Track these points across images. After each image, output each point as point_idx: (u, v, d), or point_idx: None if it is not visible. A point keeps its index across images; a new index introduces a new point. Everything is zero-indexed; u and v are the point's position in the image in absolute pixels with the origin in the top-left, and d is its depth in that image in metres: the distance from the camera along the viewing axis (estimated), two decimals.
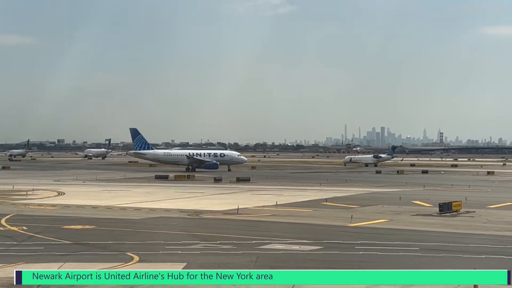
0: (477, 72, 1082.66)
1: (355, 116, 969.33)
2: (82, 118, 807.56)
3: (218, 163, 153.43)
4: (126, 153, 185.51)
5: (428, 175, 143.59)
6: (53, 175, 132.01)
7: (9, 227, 48.09)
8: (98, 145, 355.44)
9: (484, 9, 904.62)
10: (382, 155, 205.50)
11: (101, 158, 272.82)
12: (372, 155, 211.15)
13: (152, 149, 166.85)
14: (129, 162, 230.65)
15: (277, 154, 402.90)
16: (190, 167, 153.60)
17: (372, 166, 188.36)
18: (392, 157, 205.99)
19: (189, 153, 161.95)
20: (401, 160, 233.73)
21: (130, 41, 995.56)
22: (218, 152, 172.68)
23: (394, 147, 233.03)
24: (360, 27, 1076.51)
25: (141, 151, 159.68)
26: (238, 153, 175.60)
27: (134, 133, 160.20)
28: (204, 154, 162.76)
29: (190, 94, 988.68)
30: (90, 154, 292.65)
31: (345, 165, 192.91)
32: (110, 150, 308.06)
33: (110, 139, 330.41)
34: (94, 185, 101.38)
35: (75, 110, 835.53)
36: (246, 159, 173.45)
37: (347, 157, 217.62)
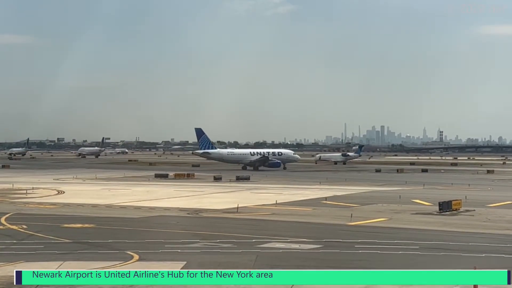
0: (477, 71, 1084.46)
1: (355, 115, 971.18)
2: (82, 117, 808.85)
3: (280, 162, 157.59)
4: (192, 153, 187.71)
5: (428, 173, 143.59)
6: (53, 174, 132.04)
7: (8, 225, 48.08)
8: (97, 144, 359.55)
9: (484, 9, 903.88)
10: (350, 154, 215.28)
11: (94, 157, 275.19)
12: (340, 153, 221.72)
13: (215, 148, 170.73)
14: (129, 160, 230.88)
15: None
16: (250, 166, 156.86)
17: (341, 164, 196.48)
18: (360, 156, 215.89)
19: (251, 152, 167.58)
20: (369, 158, 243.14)
21: (129, 40, 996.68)
22: (276, 151, 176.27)
23: (361, 146, 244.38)
24: (360, 26, 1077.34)
25: (208, 151, 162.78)
26: (293, 152, 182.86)
27: (199, 133, 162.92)
28: (264, 153, 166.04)
29: (189, 93, 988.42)
30: (83, 153, 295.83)
31: (316, 163, 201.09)
32: (104, 149, 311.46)
33: (103, 138, 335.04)
34: (94, 184, 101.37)
35: (76, 109, 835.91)
36: (299, 157, 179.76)
37: (317, 155, 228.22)
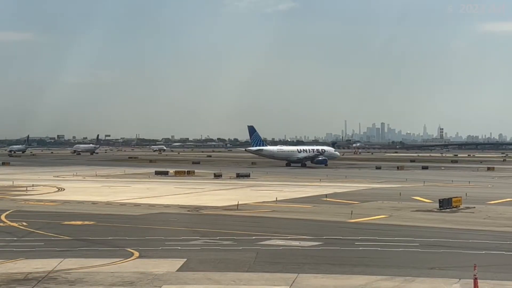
0: (477, 68, 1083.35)
1: (355, 112, 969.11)
2: (82, 114, 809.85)
3: (326, 159, 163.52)
4: (246, 150, 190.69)
5: (428, 170, 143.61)
6: (53, 171, 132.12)
7: (9, 223, 48.05)
8: (93, 141, 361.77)
9: (484, 10, 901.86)
10: None
11: (89, 154, 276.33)
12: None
13: (266, 145, 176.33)
14: (129, 157, 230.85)
15: None
16: (296, 163, 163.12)
17: None
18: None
19: (298, 149, 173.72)
20: (343, 155, 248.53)
21: (130, 37, 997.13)
22: (320, 148, 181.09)
23: (334, 143, 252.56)
24: (360, 24, 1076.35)
25: (261, 148, 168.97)
26: (334, 149, 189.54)
27: (251, 130, 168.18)
28: (309, 150, 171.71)
29: (189, 90, 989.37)
30: (78, 150, 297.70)
31: None
32: (98, 146, 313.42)
33: (98, 135, 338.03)
34: (94, 181, 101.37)
35: (76, 106, 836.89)
36: (339, 154, 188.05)
37: None
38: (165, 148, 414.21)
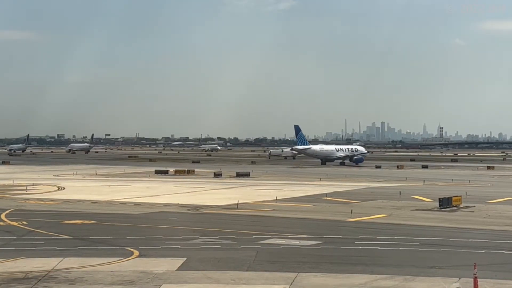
0: (477, 67, 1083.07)
1: (355, 111, 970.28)
2: (82, 113, 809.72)
3: (363, 157, 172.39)
4: (292, 148, 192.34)
5: (428, 170, 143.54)
6: (53, 170, 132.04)
7: (9, 222, 48.03)
8: (97, 140, 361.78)
9: (483, 9, 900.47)
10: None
11: (84, 153, 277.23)
12: (290, 149, 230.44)
13: (309, 145, 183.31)
14: (129, 156, 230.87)
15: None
16: (331, 161, 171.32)
17: (291, 158, 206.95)
18: None
19: (337, 148, 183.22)
20: None
21: (130, 36, 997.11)
22: (353, 147, 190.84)
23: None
24: (360, 22, 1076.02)
25: (306, 147, 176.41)
26: (364, 148, 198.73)
27: (297, 129, 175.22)
28: (345, 149, 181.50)
29: (189, 89, 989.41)
30: (73, 149, 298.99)
31: (269, 158, 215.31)
32: (93, 145, 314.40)
33: (93, 134, 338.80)
34: (94, 180, 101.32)
35: (76, 105, 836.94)
36: (368, 153, 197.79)
37: (270, 150, 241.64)
38: (219, 147, 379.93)
